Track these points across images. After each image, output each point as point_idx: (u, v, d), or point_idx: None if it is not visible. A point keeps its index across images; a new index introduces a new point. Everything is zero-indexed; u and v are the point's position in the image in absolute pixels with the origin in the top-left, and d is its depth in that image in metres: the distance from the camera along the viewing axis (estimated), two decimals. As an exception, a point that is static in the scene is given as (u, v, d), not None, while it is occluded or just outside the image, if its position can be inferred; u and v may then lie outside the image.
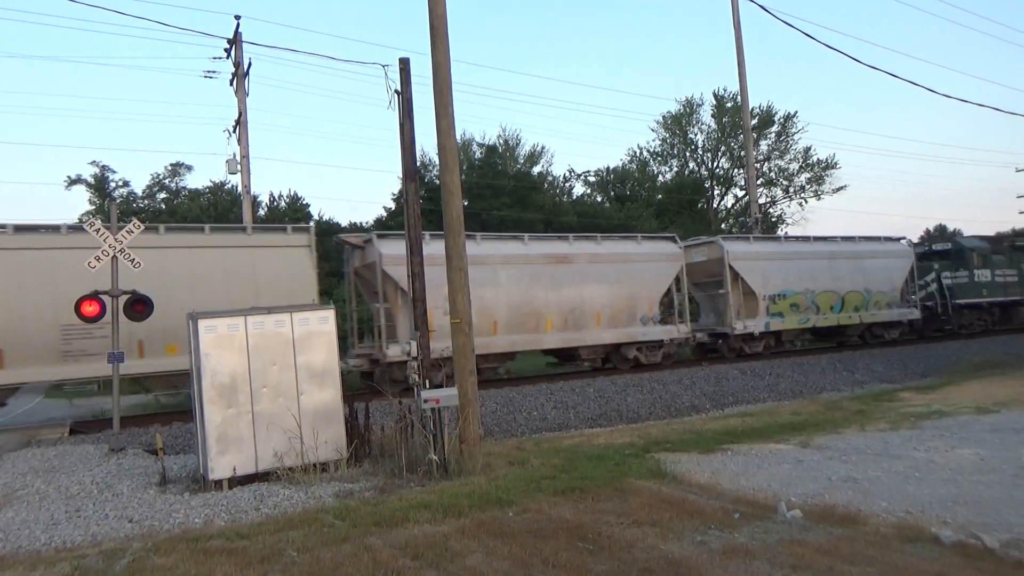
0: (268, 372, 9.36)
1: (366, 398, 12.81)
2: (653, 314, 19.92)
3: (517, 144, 46.43)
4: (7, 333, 13.72)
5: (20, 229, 14.49)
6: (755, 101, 48.53)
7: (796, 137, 47.70)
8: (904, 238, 26.49)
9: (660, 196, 46.92)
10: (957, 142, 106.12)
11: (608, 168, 49.07)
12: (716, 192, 49.45)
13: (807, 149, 47.79)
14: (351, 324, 17.14)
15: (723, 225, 46.29)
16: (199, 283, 15.18)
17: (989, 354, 22.38)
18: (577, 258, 18.99)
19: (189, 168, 38.95)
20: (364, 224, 35.06)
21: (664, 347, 20.08)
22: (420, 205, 10.95)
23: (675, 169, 50.02)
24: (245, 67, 22.51)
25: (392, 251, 16.09)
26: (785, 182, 48.92)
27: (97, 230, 12.81)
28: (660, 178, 49.63)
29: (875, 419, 11.96)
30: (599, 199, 46.86)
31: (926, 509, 6.59)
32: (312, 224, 16.07)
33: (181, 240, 15.78)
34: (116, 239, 12.77)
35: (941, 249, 27.96)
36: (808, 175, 48.23)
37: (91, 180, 37.06)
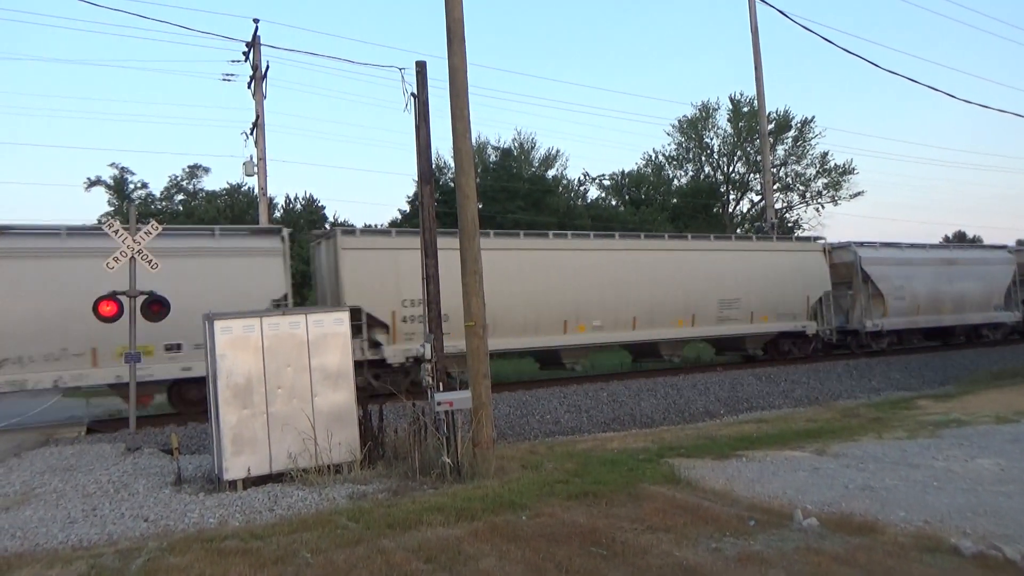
0: (283, 373, 9.39)
1: (379, 400, 12.84)
2: (999, 304, 27.24)
3: (532, 147, 46.45)
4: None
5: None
6: (772, 106, 48.18)
7: (813, 142, 47.31)
8: None
9: (675, 200, 46.73)
10: (976, 148, 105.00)
11: (623, 172, 48.98)
12: (732, 197, 49.18)
13: (824, 154, 47.41)
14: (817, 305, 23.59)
15: (738, 230, 46.02)
16: (770, 275, 22.25)
17: (1008, 363, 22.12)
18: (958, 261, 26.55)
19: (207, 170, 39.26)
20: (379, 225, 35.12)
21: (1002, 328, 27.55)
22: (435, 208, 10.96)
23: (691, 173, 49.81)
24: (263, 70, 22.66)
25: (869, 255, 24.21)
26: (802, 187, 48.54)
27: (116, 231, 12.93)
28: (675, 182, 49.43)
29: (892, 427, 11.83)
30: (614, 203, 46.76)
31: (945, 519, 6.51)
32: (824, 236, 24.99)
33: (756, 246, 23.22)
34: (134, 240, 12.88)
35: None
36: (825, 180, 47.81)
37: (110, 182, 37.45)
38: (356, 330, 15.12)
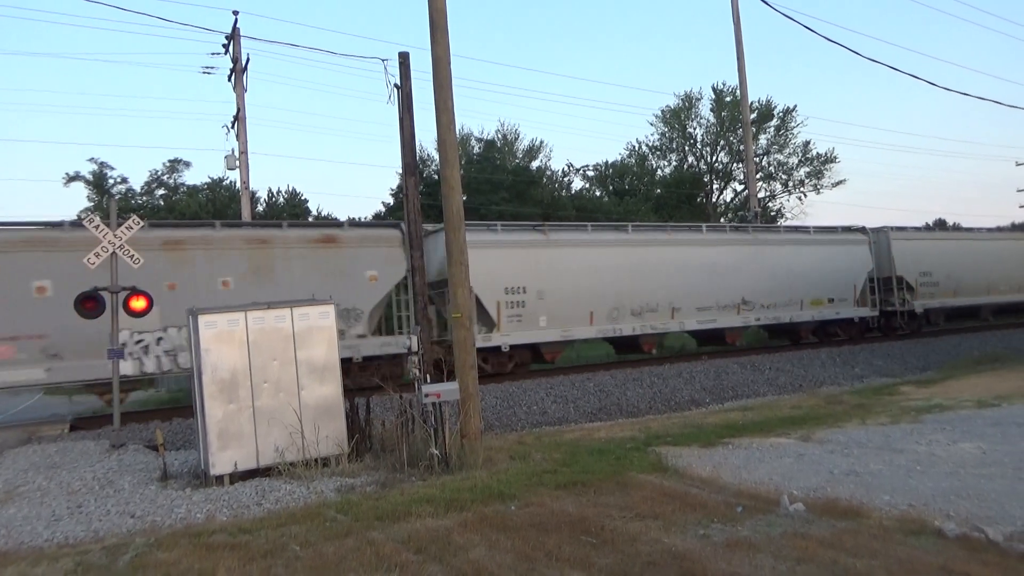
0: (268, 367, 9.34)
1: (366, 393, 12.80)
2: None
3: (516, 139, 46.33)
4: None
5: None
6: (754, 95, 48.42)
7: (795, 131, 47.47)
8: None
9: (659, 190, 46.83)
10: (957, 136, 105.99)
11: (607, 162, 48.97)
12: (715, 186, 49.31)
13: (806, 143, 47.61)
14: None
15: (722, 219, 46.22)
16: None
17: (989, 348, 22.41)
18: None
19: (187, 164, 38.66)
20: (363, 219, 34.93)
21: None
22: (419, 200, 10.93)
23: (674, 163, 49.81)
24: (243, 62, 22.45)
25: None
26: (784, 176, 48.78)
27: (96, 226, 12.78)
28: (659, 172, 49.50)
29: (876, 413, 11.97)
30: (598, 193, 46.77)
31: (929, 502, 6.59)
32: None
33: None
34: (115, 235, 12.74)
35: None
36: (807, 169, 48.08)
37: (90, 177, 36.86)
38: (899, 291, 25.62)
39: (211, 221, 16.89)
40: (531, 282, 18.04)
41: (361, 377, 15.93)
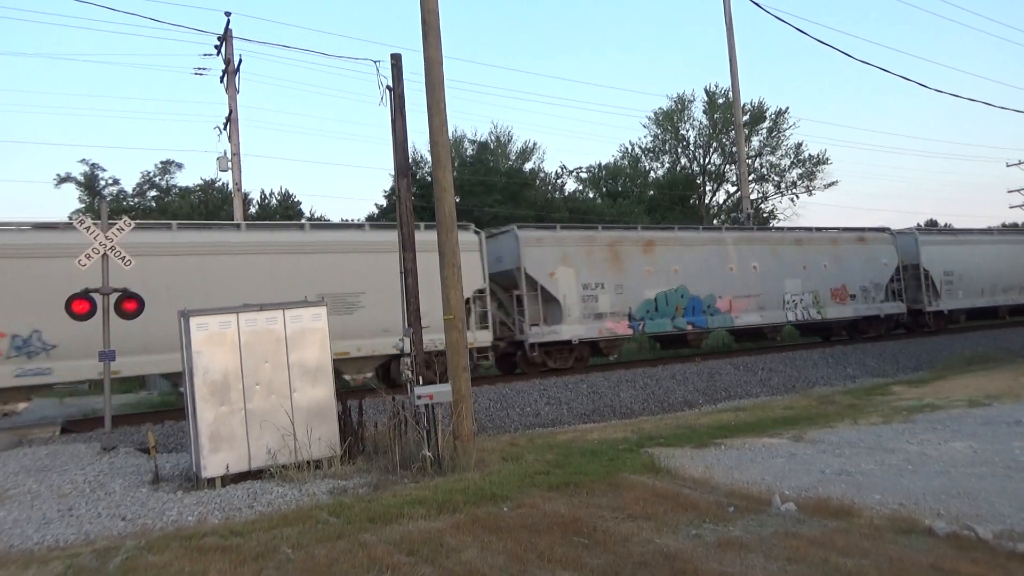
0: (260, 369, 9.31)
1: (359, 396, 12.79)
2: None
3: (509, 140, 46.25)
4: None
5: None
6: (747, 97, 48.43)
7: (788, 133, 47.69)
8: None
9: (652, 192, 46.90)
10: (948, 137, 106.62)
11: (600, 164, 48.99)
12: (708, 188, 49.43)
13: (798, 145, 47.81)
14: None
15: (715, 221, 46.33)
16: None
17: (980, 348, 22.52)
18: None
19: (180, 166, 38.53)
20: (355, 220, 34.88)
21: None
22: (412, 202, 10.92)
23: (667, 165, 49.90)
24: (236, 63, 22.40)
25: None
26: (776, 178, 48.94)
27: (87, 228, 12.71)
28: (652, 174, 49.59)
29: (868, 413, 12.01)
30: (591, 195, 46.83)
31: (920, 501, 6.62)
32: None
33: None
34: (106, 236, 12.67)
35: None
36: (799, 171, 48.26)
37: (81, 178, 36.69)
38: None
39: (773, 227, 27.41)
40: (955, 268, 27.43)
41: (880, 327, 25.50)
